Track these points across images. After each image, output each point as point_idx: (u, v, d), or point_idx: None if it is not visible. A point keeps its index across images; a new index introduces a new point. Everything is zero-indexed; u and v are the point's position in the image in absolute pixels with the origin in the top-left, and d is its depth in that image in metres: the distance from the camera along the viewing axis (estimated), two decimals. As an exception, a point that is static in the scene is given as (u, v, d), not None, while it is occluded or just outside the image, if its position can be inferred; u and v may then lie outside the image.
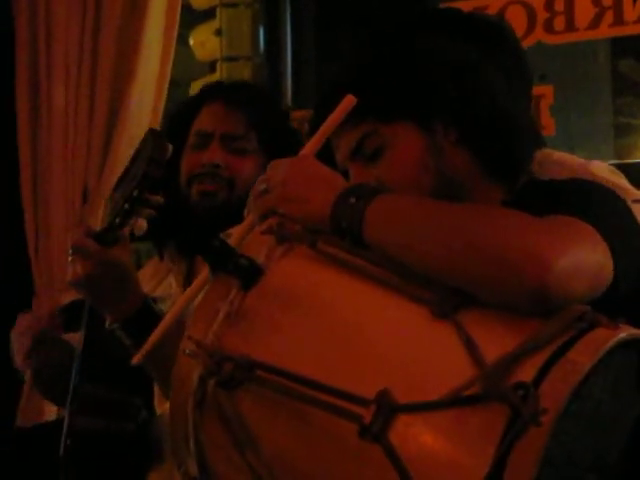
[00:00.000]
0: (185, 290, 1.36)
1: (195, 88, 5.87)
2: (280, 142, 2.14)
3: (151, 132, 1.69)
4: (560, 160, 1.84)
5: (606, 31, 5.28)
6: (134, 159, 1.68)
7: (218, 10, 5.76)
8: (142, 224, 1.68)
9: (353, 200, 1.30)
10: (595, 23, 5.20)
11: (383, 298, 1.23)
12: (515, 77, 1.59)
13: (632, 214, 1.40)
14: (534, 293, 1.14)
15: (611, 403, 1.16)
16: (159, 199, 1.68)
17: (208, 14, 5.83)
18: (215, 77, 5.52)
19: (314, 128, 1.46)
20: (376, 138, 1.47)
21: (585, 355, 1.10)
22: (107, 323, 1.73)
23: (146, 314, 1.70)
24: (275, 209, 1.35)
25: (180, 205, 2.10)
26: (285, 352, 1.22)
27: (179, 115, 2.26)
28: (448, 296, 1.19)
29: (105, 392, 1.99)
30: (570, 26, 5.28)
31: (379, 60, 1.51)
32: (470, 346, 1.14)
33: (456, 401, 1.10)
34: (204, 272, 1.32)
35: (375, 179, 1.45)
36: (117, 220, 1.66)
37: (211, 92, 2.26)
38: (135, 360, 1.33)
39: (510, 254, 1.15)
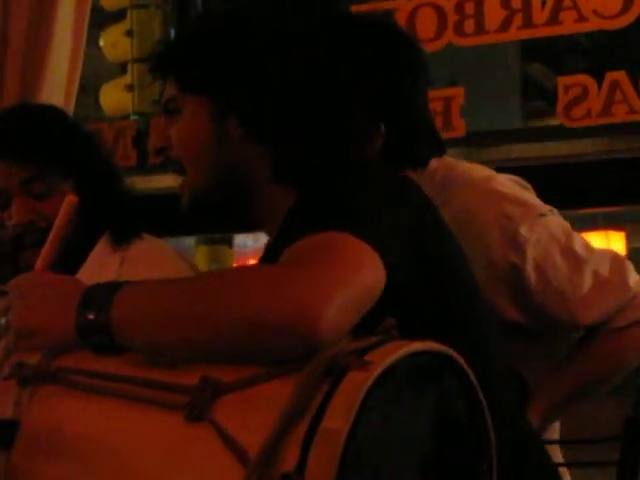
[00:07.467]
0: None
1: (106, 90, 5.65)
2: (93, 168, 1.89)
3: None
4: (463, 176, 1.80)
5: (515, 34, 5.39)
6: None
7: (129, 11, 5.68)
8: None
9: (92, 316, 1.18)
10: (504, 26, 5.31)
11: (133, 416, 1.14)
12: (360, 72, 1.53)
13: (397, 189, 1.33)
14: (309, 346, 1.08)
15: (398, 428, 1.11)
16: None
17: (119, 15, 5.75)
18: (126, 79, 5.43)
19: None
20: (177, 101, 1.45)
21: (340, 419, 1.03)
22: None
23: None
24: (16, 348, 1.22)
25: None
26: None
27: None
28: (200, 392, 1.09)
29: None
30: (480, 28, 5.37)
31: (198, 29, 1.47)
32: (230, 443, 1.05)
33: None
34: None
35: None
36: None
37: None
38: None
39: (276, 318, 1.08)
